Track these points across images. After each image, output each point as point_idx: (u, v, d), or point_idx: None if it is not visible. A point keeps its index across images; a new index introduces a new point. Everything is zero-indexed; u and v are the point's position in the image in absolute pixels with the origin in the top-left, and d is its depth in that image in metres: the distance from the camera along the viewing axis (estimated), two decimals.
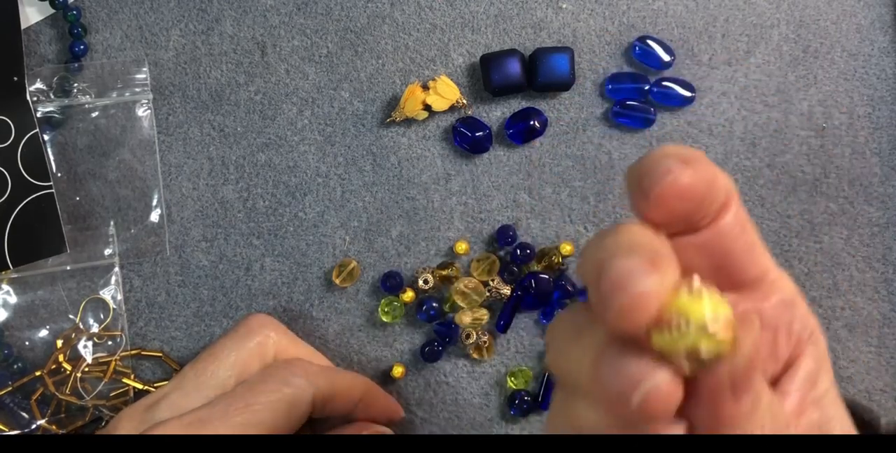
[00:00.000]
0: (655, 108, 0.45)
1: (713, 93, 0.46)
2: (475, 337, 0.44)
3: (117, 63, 0.44)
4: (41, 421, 0.42)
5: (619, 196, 0.45)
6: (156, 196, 0.44)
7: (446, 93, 0.44)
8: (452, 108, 0.45)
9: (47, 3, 0.44)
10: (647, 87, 0.45)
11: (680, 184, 0.21)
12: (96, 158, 0.44)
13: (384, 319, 0.44)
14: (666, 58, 0.45)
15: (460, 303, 0.43)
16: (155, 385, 0.43)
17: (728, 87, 0.46)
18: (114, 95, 0.44)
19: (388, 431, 0.41)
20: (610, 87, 0.45)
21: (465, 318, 0.43)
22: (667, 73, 0.46)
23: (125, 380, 0.43)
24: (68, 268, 0.43)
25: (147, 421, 0.36)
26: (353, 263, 0.44)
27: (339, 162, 0.45)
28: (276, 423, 0.36)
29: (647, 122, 0.45)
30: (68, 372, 0.42)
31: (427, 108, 0.44)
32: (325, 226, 0.45)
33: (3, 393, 0.42)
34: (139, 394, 0.42)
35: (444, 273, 0.44)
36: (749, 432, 0.21)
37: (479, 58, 0.45)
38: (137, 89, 0.44)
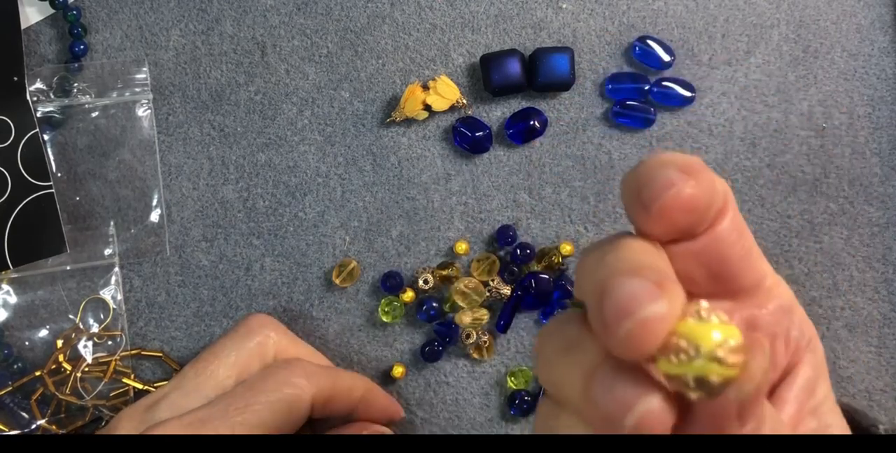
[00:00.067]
0: (655, 108, 0.45)
1: (713, 93, 0.46)
2: (475, 337, 0.44)
3: (117, 63, 0.44)
4: (41, 421, 0.42)
5: (619, 196, 0.45)
6: (156, 196, 0.44)
7: (446, 93, 0.44)
8: (452, 108, 0.45)
9: (47, 3, 0.44)
10: (647, 87, 0.45)
11: (683, 197, 0.20)
12: (96, 158, 0.44)
13: (384, 319, 0.44)
14: (666, 58, 0.45)
15: (460, 303, 0.43)
16: (155, 385, 0.43)
17: (728, 87, 0.46)
18: (114, 95, 0.44)
19: (388, 431, 0.41)
20: (610, 87, 0.45)
21: (465, 318, 0.43)
22: (667, 73, 0.46)
23: (125, 380, 0.43)
24: (68, 268, 0.43)
25: (147, 421, 0.36)
26: (353, 263, 0.44)
27: (339, 162, 0.45)
28: (276, 423, 0.36)
29: (647, 122, 0.45)
30: (68, 372, 0.42)
31: (427, 108, 0.44)
32: (325, 226, 0.45)
33: (3, 393, 0.42)
34: (139, 394, 0.42)
35: (444, 273, 0.44)
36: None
37: (479, 58, 0.45)
38: (137, 89, 0.44)
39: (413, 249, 0.45)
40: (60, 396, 0.42)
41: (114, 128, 0.44)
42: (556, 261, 0.44)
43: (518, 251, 0.44)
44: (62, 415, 0.42)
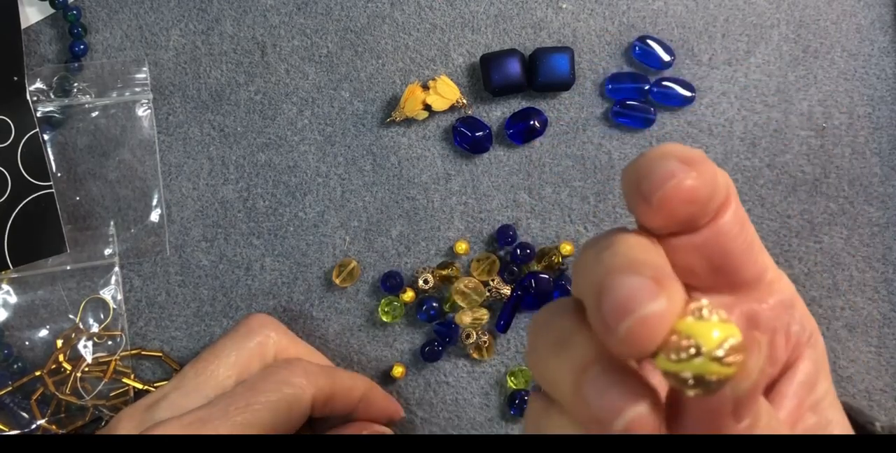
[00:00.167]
0: (655, 108, 0.45)
1: (713, 93, 0.46)
2: (475, 337, 0.44)
3: (117, 63, 0.44)
4: (41, 421, 0.42)
5: (619, 196, 0.45)
6: (156, 196, 0.44)
7: (446, 93, 0.44)
8: (452, 108, 0.45)
9: (47, 3, 0.44)
10: (647, 87, 0.45)
11: (684, 188, 0.20)
12: (96, 158, 0.44)
13: (384, 319, 0.44)
14: (666, 58, 0.45)
15: (460, 302, 0.43)
16: (155, 385, 0.43)
17: (728, 87, 0.46)
18: (114, 95, 0.44)
19: (388, 431, 0.41)
20: (610, 86, 0.45)
21: (465, 318, 0.43)
22: (667, 73, 0.46)
23: (125, 380, 0.43)
24: (68, 267, 0.43)
25: (147, 421, 0.36)
26: (353, 263, 0.44)
27: (339, 162, 0.45)
28: (276, 423, 0.36)
29: (647, 122, 0.45)
30: (68, 372, 0.42)
31: (427, 107, 0.44)
32: (325, 226, 0.45)
33: (3, 393, 0.42)
34: (139, 394, 0.42)
35: (444, 273, 0.44)
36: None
37: (479, 58, 0.45)
38: (137, 89, 0.44)
39: (413, 249, 0.45)
40: (60, 396, 0.42)
41: (114, 128, 0.44)
42: (556, 260, 0.44)
43: (518, 251, 0.44)
44: (62, 415, 0.42)
